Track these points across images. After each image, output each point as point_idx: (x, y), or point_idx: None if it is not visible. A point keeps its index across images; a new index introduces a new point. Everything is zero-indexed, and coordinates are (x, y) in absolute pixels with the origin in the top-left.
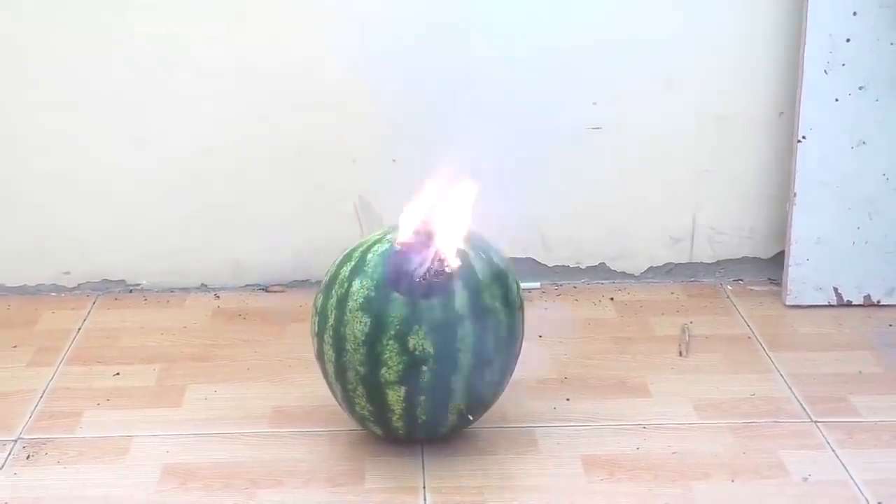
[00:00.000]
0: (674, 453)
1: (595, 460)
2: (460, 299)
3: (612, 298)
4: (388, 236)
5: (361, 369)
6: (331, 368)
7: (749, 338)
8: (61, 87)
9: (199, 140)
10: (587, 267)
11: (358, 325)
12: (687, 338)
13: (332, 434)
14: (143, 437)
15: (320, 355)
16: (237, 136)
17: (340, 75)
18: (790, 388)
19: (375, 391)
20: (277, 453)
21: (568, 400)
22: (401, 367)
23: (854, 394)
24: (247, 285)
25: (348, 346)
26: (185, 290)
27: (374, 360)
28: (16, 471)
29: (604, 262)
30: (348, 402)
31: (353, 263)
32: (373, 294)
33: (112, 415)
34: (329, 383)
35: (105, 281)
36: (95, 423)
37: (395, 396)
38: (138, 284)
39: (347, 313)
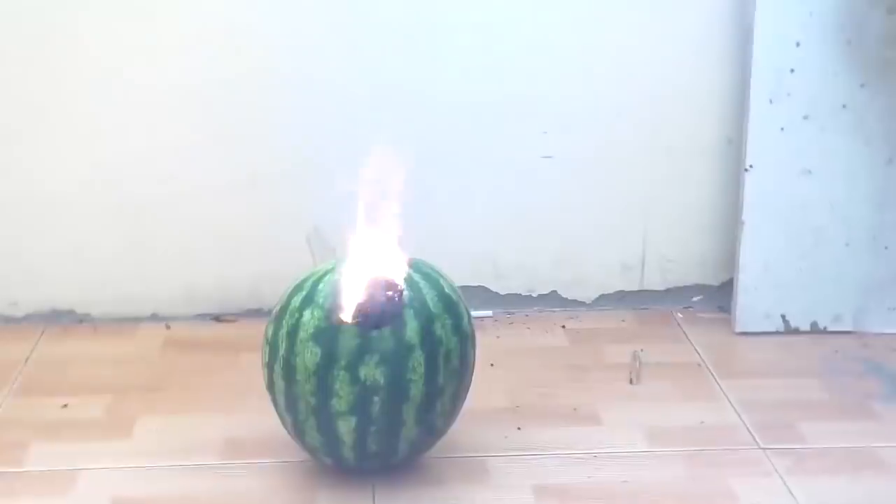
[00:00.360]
0: (624, 482)
1: (546, 490)
2: (411, 329)
3: (563, 326)
4: (340, 266)
5: (312, 400)
6: (281, 399)
7: (699, 365)
8: (6, 115)
9: (151, 167)
10: (539, 295)
11: (309, 356)
12: (638, 365)
13: (284, 465)
14: (91, 469)
15: (271, 386)
16: (190, 164)
17: (296, 103)
18: (739, 415)
19: (326, 422)
20: (229, 485)
21: (519, 429)
22: (352, 397)
23: (802, 420)
24: (199, 314)
25: (299, 377)
26: (136, 319)
27: (324, 390)
28: None
29: (556, 290)
30: (299, 432)
31: (304, 293)
32: (323, 324)
33: (60, 447)
34: (280, 414)
35: (54, 311)
36: (42, 455)
37: (346, 427)
38: (88, 314)
39: (298, 343)
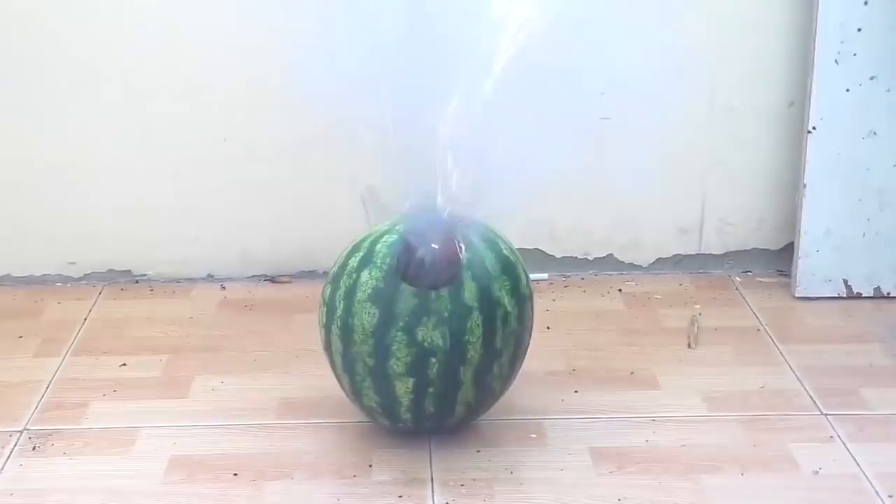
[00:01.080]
0: (683, 446)
1: (604, 453)
2: (469, 291)
3: (620, 290)
4: (397, 227)
5: (370, 361)
6: (338, 360)
7: (758, 330)
8: (67, 77)
9: (205, 130)
10: (595, 258)
11: (366, 317)
12: (696, 329)
13: (340, 426)
14: (149, 428)
15: (328, 346)
16: (244, 126)
17: (348, 64)
18: (800, 380)
19: (384, 383)
20: (285, 445)
21: (576, 392)
22: (409, 358)
23: (864, 386)
24: (253, 276)
25: (356, 338)
26: (191, 280)
27: (382, 351)
28: (21, 462)
29: (612, 254)
30: (356, 393)
31: (361, 254)
32: (381, 285)
33: (118, 406)
34: (337, 375)
35: (111, 271)
36: (102, 414)
37: (403, 388)
38: (144, 275)
39: (356, 304)
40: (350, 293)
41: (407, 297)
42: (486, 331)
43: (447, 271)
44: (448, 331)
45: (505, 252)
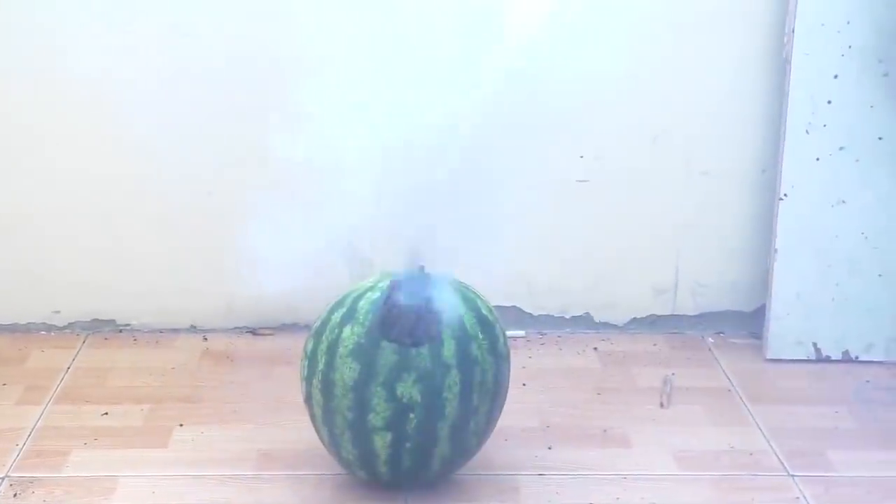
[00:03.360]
0: None
1: None
2: (448, 349)
3: (595, 348)
4: (380, 284)
5: (349, 414)
6: (319, 412)
7: (729, 390)
8: (54, 127)
9: (190, 183)
10: (571, 317)
11: (347, 371)
12: (668, 389)
13: (318, 478)
14: (129, 477)
15: (308, 399)
16: (229, 180)
17: (330, 122)
18: (768, 441)
19: (362, 436)
20: (263, 497)
21: (550, 448)
22: (388, 413)
23: (831, 448)
24: (236, 327)
25: (337, 392)
26: (174, 330)
27: (362, 405)
28: None
29: (588, 312)
30: (335, 445)
31: (344, 310)
32: (363, 341)
33: (99, 454)
34: (316, 427)
35: (95, 320)
36: (83, 462)
37: (381, 442)
38: (128, 324)
39: (337, 359)
40: (332, 348)
41: (387, 354)
42: (463, 388)
43: (427, 328)
44: (427, 387)
45: (483, 311)
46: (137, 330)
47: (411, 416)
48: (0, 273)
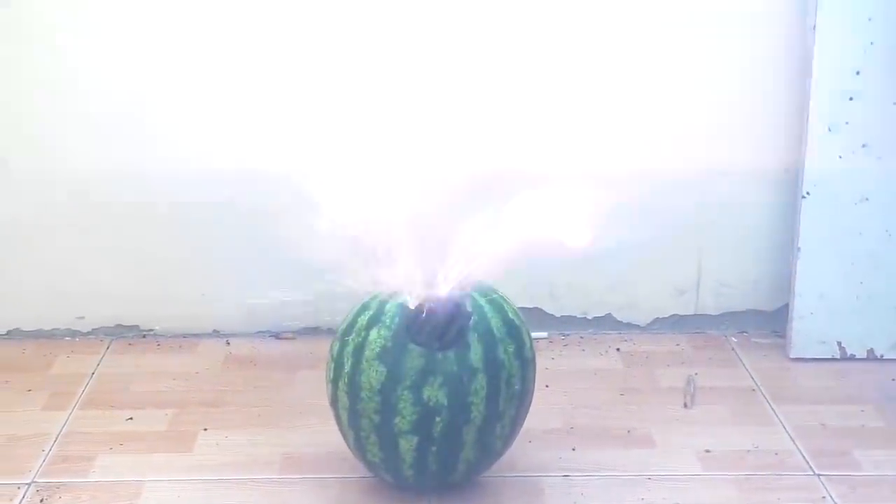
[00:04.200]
0: None
1: None
2: (475, 353)
3: (618, 349)
4: (407, 287)
5: (375, 417)
6: (344, 415)
7: (753, 390)
8: (76, 133)
9: (214, 189)
10: (594, 317)
11: (374, 374)
12: (692, 389)
13: (342, 481)
14: (154, 481)
15: (334, 401)
16: (251, 185)
17: (351, 130)
18: (793, 440)
19: (388, 439)
20: (288, 499)
21: (574, 450)
22: (414, 417)
23: (857, 448)
24: (258, 332)
25: (363, 394)
26: (197, 335)
27: (388, 408)
28: None
29: (610, 313)
30: (360, 448)
31: (371, 312)
32: (389, 344)
33: (124, 459)
34: (342, 429)
35: (119, 326)
36: (108, 467)
37: (407, 445)
38: (152, 330)
39: (364, 362)
40: (358, 350)
41: (414, 357)
42: (490, 392)
43: (454, 333)
44: (453, 391)
45: (510, 315)
46: (161, 335)
47: (437, 419)
48: (25, 280)
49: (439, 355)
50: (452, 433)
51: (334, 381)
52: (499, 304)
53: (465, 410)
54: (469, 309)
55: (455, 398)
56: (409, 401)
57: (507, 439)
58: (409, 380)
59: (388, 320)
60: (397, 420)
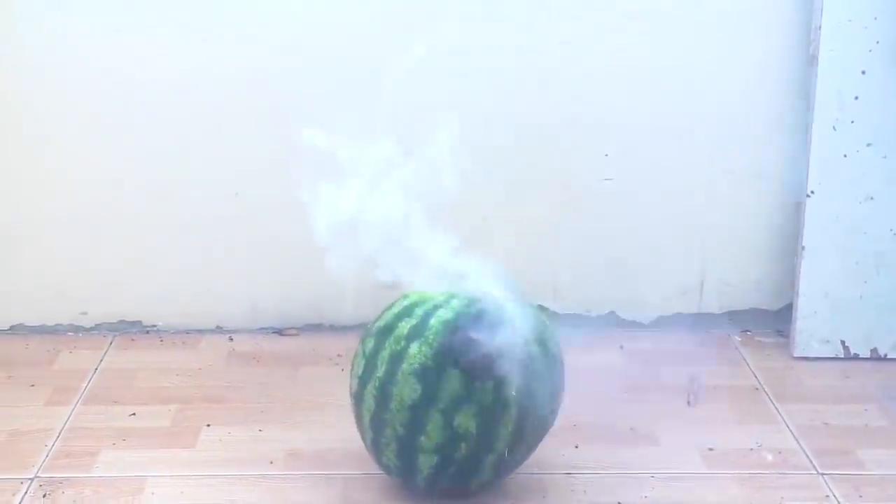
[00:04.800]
0: (681, 502)
1: None
2: (513, 386)
3: (621, 347)
4: (453, 302)
5: (400, 430)
6: (367, 416)
7: (756, 389)
8: (79, 132)
9: (216, 184)
10: (597, 315)
11: (408, 390)
12: (695, 387)
13: (346, 477)
14: (157, 477)
15: (359, 400)
16: (255, 181)
17: (360, 120)
18: (797, 439)
19: (408, 452)
20: (291, 497)
21: (577, 447)
22: (440, 439)
23: (861, 447)
24: (261, 328)
25: (393, 405)
26: (200, 331)
27: (415, 425)
28: None
29: (614, 311)
30: (376, 450)
31: (413, 322)
32: (430, 363)
33: (128, 455)
34: (361, 427)
35: (122, 322)
36: (111, 462)
37: (426, 462)
38: (154, 325)
39: (400, 374)
40: (396, 360)
41: (452, 382)
42: (518, 425)
43: (499, 366)
44: (484, 421)
45: (552, 347)
46: (164, 331)
47: (462, 445)
48: (28, 276)
49: (478, 384)
50: (473, 459)
51: (362, 380)
52: (544, 336)
53: (491, 441)
54: (517, 341)
55: (484, 428)
56: (438, 424)
57: (520, 463)
58: (443, 403)
59: (431, 336)
60: (422, 438)
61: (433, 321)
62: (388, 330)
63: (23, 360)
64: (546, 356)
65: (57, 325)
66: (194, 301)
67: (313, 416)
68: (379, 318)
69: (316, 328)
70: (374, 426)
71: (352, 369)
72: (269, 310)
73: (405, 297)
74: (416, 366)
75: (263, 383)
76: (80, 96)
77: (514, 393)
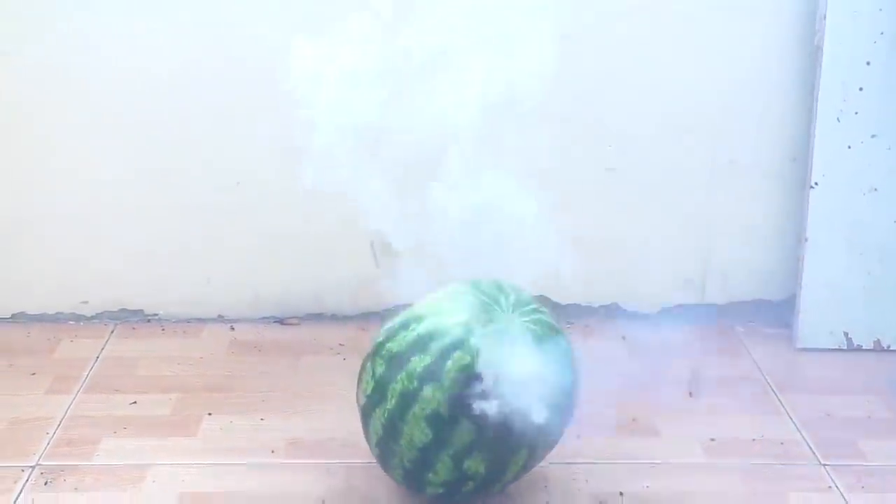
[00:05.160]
0: (681, 493)
1: (604, 499)
2: (528, 432)
3: (623, 337)
4: (471, 340)
5: (408, 465)
6: (375, 438)
7: (759, 380)
8: (81, 122)
9: (218, 174)
10: (600, 305)
11: (418, 433)
12: (698, 378)
13: (347, 466)
14: (159, 465)
15: (366, 417)
16: (257, 171)
17: (361, 120)
18: (799, 430)
19: (415, 480)
20: (292, 484)
21: (578, 437)
22: (448, 478)
23: (863, 438)
24: (263, 317)
25: (402, 442)
26: (201, 320)
27: (424, 463)
28: (34, 497)
29: (616, 302)
30: (384, 464)
31: (427, 360)
32: (443, 410)
33: (129, 443)
34: (367, 438)
35: (123, 310)
36: (112, 450)
37: (432, 491)
38: (156, 314)
39: (411, 415)
40: (408, 399)
41: (464, 431)
42: (527, 463)
43: (516, 426)
44: (493, 463)
45: (569, 385)
46: (165, 320)
47: (470, 483)
48: (29, 264)
49: (491, 433)
50: (480, 493)
51: (371, 400)
52: (565, 378)
53: (499, 477)
54: (537, 400)
55: (493, 468)
56: (447, 465)
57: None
58: (453, 449)
59: (447, 382)
60: (430, 475)
61: (449, 365)
62: (399, 361)
63: (24, 349)
64: (563, 393)
65: (58, 313)
66: (196, 290)
67: (314, 406)
68: (390, 336)
69: (317, 318)
70: (382, 448)
71: (359, 382)
72: (270, 299)
73: (417, 318)
74: (429, 411)
75: (265, 372)
76: (81, 87)
77: (526, 440)
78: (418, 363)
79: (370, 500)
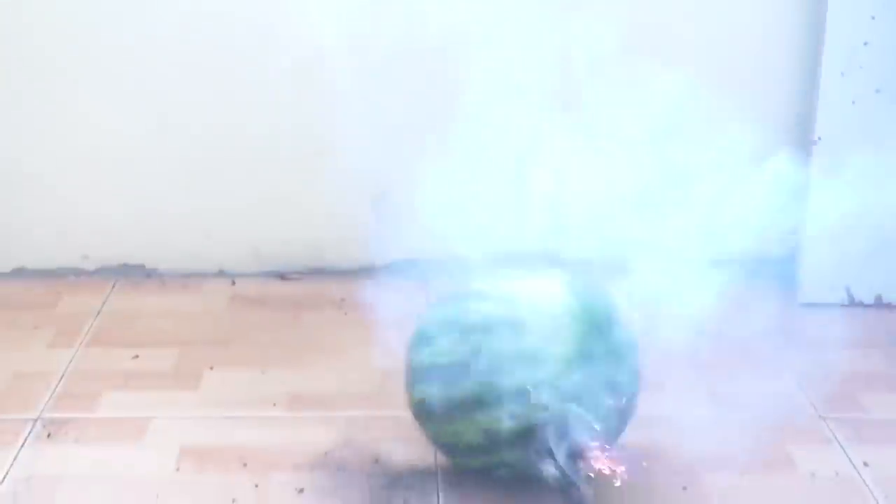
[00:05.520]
0: (682, 445)
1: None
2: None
3: (627, 294)
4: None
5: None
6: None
7: (761, 334)
8: (82, 74)
9: (220, 129)
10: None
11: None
12: (699, 333)
13: (348, 419)
14: (160, 418)
15: (415, 404)
16: (258, 125)
17: (362, 79)
18: (800, 384)
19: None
20: (293, 437)
21: None
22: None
23: (863, 391)
24: (264, 272)
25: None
26: (202, 275)
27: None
28: (36, 449)
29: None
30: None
31: (478, 441)
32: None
33: (131, 396)
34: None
35: (124, 265)
36: (114, 404)
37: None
38: (157, 269)
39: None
40: (452, 447)
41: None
42: None
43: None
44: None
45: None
46: (166, 274)
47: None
48: (30, 219)
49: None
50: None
51: (422, 421)
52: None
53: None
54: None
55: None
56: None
57: None
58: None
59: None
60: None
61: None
62: (446, 413)
63: (25, 303)
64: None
65: (59, 268)
66: (197, 245)
67: (315, 359)
68: (433, 370)
69: (318, 272)
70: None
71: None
72: (271, 254)
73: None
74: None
75: (266, 327)
76: (84, 42)
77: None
78: (472, 436)
79: (372, 452)
